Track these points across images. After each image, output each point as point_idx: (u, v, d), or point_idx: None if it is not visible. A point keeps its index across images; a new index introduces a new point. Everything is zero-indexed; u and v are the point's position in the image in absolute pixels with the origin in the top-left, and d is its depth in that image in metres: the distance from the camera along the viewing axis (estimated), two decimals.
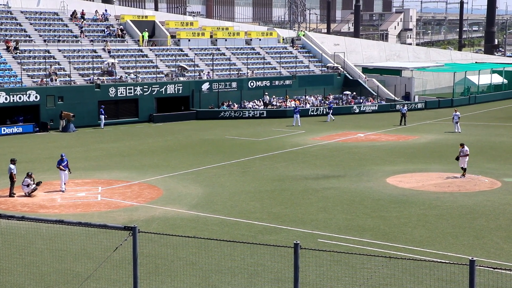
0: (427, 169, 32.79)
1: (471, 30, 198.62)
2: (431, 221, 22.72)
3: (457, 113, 48.32)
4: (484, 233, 21.18)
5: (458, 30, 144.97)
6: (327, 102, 62.35)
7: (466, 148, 30.76)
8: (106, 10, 65.06)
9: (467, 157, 30.68)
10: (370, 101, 64.02)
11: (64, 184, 28.11)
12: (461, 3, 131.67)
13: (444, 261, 16.84)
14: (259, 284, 16.29)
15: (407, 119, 52.34)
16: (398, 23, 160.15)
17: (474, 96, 71.61)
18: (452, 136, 44.83)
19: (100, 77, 54.77)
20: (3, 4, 59.69)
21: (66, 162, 28.04)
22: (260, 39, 70.77)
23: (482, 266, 11.03)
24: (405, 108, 53.99)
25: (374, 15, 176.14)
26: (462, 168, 30.70)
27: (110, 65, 56.31)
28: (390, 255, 15.75)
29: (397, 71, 72.13)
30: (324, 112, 59.03)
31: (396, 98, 65.92)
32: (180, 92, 57.42)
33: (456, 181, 29.76)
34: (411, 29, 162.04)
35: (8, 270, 16.09)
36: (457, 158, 30.91)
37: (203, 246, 18.25)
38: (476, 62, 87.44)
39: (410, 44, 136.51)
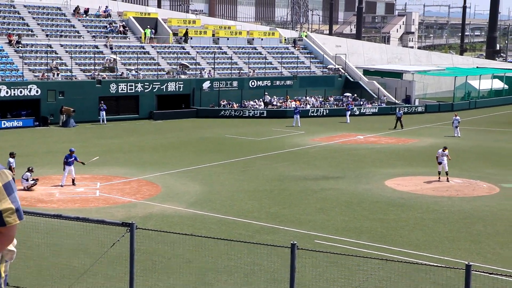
0: (425, 172, 32.76)
1: (473, 34, 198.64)
2: (429, 224, 22.74)
3: (457, 117, 48.29)
4: (481, 238, 21.20)
5: (460, 34, 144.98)
6: (347, 103, 61.42)
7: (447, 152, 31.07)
8: (107, 7, 65.00)
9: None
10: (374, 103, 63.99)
11: (73, 179, 28.12)
12: (464, 8, 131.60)
13: (440, 265, 16.85)
14: (255, 284, 16.31)
15: (404, 122, 52.04)
16: (400, 26, 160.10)
17: (474, 101, 71.63)
18: (451, 140, 44.78)
19: (101, 73, 54.78)
20: None
21: (73, 158, 27.94)
22: (262, 39, 70.72)
23: (478, 271, 11.06)
24: (401, 111, 53.95)
25: (376, 17, 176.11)
26: (446, 172, 30.73)
27: (111, 61, 56.30)
28: (387, 258, 15.75)
29: (398, 74, 72.09)
30: (325, 114, 59.51)
31: (396, 101, 65.92)
32: (181, 89, 57.43)
33: (454, 185, 29.79)
34: (413, 32, 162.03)
35: None
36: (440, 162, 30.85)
37: (200, 244, 18.25)
38: (477, 67, 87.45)
39: (412, 47, 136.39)
